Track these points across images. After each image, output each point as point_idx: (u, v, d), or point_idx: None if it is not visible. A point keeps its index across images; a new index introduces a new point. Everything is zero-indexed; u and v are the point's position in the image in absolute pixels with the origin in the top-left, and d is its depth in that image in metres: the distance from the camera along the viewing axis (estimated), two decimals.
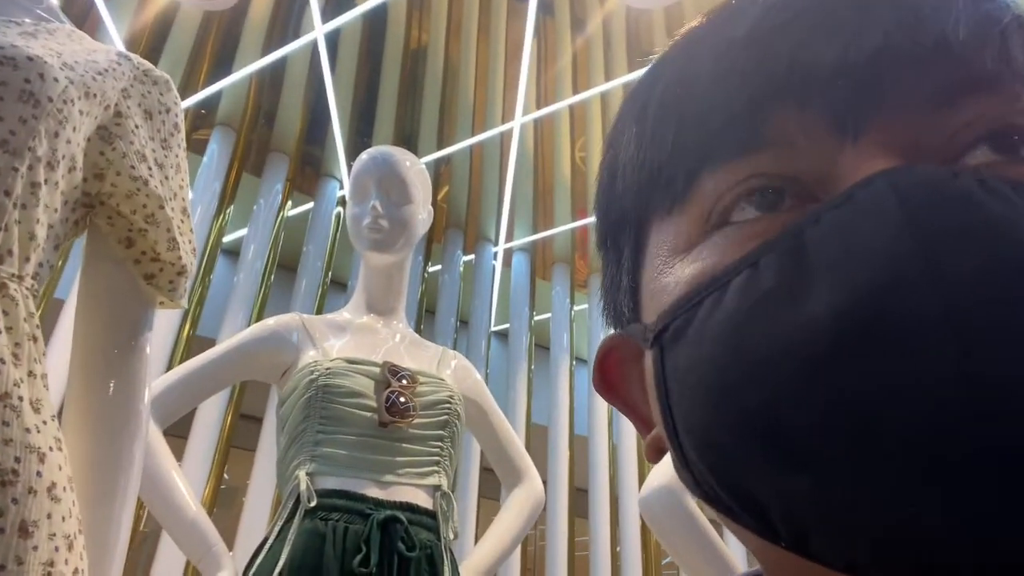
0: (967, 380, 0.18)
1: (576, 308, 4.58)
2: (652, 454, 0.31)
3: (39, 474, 0.55)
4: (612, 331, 0.34)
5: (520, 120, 3.61)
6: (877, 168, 0.23)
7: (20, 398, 0.56)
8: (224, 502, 3.43)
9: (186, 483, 1.17)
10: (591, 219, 4.18)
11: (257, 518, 2.99)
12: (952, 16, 0.24)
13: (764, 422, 0.22)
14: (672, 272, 0.27)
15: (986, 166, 0.23)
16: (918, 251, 0.19)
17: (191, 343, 3.19)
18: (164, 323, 3.00)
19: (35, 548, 0.53)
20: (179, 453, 2.80)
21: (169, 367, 3.00)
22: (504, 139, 3.74)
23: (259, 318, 3.28)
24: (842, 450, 0.20)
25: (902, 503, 0.19)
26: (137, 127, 0.77)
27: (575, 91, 3.51)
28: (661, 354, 0.26)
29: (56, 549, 0.55)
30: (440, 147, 3.79)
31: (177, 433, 1.35)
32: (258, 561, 1.11)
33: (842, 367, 0.20)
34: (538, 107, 3.58)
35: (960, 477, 0.18)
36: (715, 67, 0.27)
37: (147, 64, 0.82)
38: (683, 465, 0.26)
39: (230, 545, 1.18)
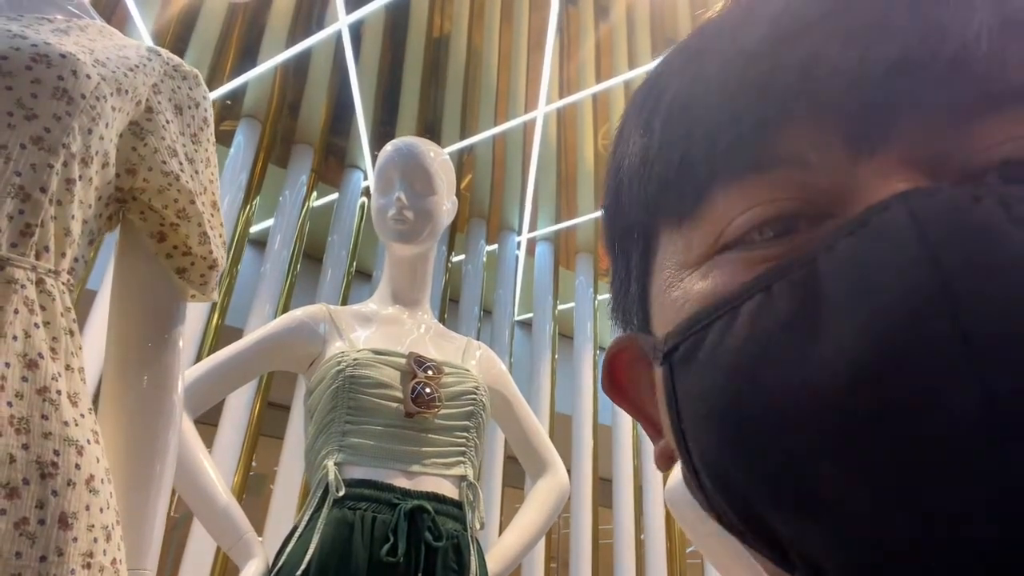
0: (990, 437, 0.17)
1: (600, 297, 4.57)
2: (663, 463, 0.30)
3: (78, 467, 0.56)
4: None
5: (543, 109, 3.60)
6: (895, 187, 0.21)
7: (58, 392, 0.58)
8: (253, 489, 3.49)
9: (216, 472, 1.19)
10: None
11: (285, 505, 3.03)
12: (974, 26, 0.22)
13: (774, 468, 0.21)
14: (681, 286, 0.27)
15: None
16: (938, 295, 0.18)
17: (220, 333, 3.24)
18: (193, 313, 3.05)
19: (75, 539, 0.55)
20: (209, 441, 2.85)
21: (199, 356, 3.05)
22: (527, 128, 3.72)
23: (286, 308, 3.32)
24: (856, 502, 0.19)
25: (918, 556, 0.18)
26: (168, 122, 0.78)
27: (598, 79, 3.48)
28: (671, 374, 0.26)
29: (95, 540, 0.57)
30: (463, 136, 3.78)
31: (207, 421, 1.37)
32: (288, 549, 1.12)
33: (857, 416, 0.19)
34: (561, 96, 3.56)
35: (986, 534, 0.17)
36: (724, 80, 0.26)
37: (176, 59, 0.83)
38: (697, 487, 0.25)
39: (259, 532, 1.20)
